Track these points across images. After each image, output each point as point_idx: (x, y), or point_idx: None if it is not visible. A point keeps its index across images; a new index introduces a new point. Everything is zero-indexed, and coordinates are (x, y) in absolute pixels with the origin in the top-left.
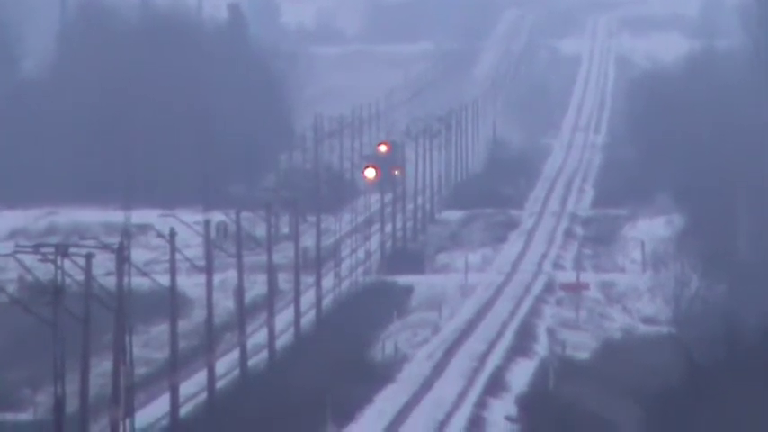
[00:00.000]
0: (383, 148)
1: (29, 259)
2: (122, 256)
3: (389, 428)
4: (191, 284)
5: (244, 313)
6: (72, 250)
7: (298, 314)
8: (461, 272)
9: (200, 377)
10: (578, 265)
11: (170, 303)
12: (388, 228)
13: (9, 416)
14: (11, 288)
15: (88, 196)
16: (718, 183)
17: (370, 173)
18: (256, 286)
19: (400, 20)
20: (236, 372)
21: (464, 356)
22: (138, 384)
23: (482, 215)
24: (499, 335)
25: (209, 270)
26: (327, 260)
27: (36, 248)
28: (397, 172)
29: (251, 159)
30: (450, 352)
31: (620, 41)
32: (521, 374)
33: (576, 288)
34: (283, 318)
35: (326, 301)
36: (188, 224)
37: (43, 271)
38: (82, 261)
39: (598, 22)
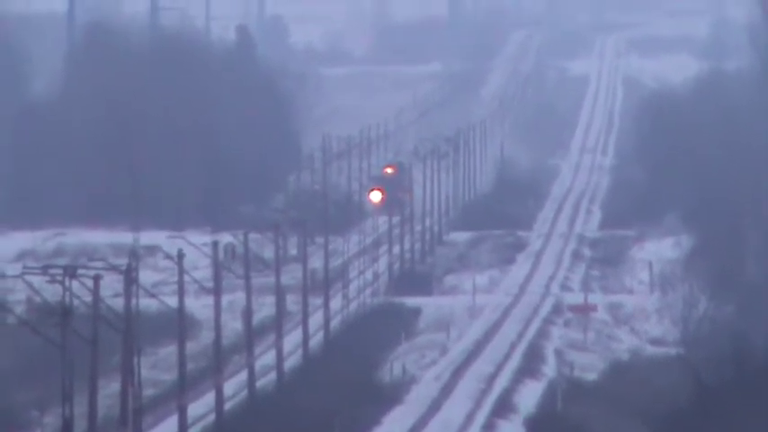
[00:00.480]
0: (389, 171)
1: (37, 281)
2: (130, 278)
3: None
4: (199, 306)
5: (252, 335)
6: (80, 272)
7: (306, 336)
8: (469, 293)
9: (209, 399)
10: (586, 287)
11: (178, 325)
12: (396, 249)
13: None
14: (19, 309)
15: (96, 217)
16: (727, 204)
17: (376, 196)
18: (264, 308)
19: (408, 40)
20: (245, 393)
21: (472, 378)
22: (146, 406)
23: (490, 236)
24: (507, 356)
25: (217, 291)
26: (335, 282)
27: (44, 270)
28: (406, 195)
29: (259, 180)
30: (458, 373)
31: (628, 62)
32: (529, 396)
33: (584, 309)
34: (291, 339)
35: (335, 323)
36: (196, 245)
37: (51, 292)
38: (90, 282)
39: (606, 42)
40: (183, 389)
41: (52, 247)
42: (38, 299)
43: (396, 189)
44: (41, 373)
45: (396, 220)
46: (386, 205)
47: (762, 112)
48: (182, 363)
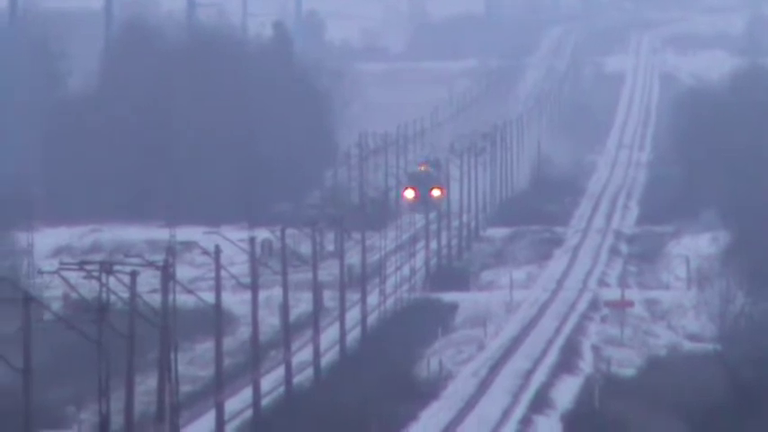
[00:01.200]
0: (423, 168)
1: (73, 277)
2: (167, 274)
3: None
4: (236, 302)
5: (289, 330)
6: (117, 267)
7: (343, 331)
8: (506, 289)
9: (246, 395)
10: (623, 283)
11: (215, 321)
12: (434, 245)
13: None
14: (55, 305)
15: (132, 213)
16: (764, 199)
17: (409, 194)
18: (301, 303)
19: (445, 37)
20: (282, 389)
21: (509, 374)
22: (183, 402)
23: (527, 232)
24: (544, 352)
25: (254, 287)
26: (372, 277)
27: (81, 266)
28: (436, 193)
29: (296, 176)
30: (495, 369)
31: (664, 59)
32: (566, 392)
33: (621, 305)
34: (328, 335)
35: (371, 319)
36: (233, 241)
37: (88, 288)
38: (127, 278)
39: (642, 39)
40: (220, 385)
41: (89, 243)
42: (74, 295)
43: (430, 187)
44: (78, 369)
45: (432, 216)
46: (419, 203)
47: None
48: (219, 359)
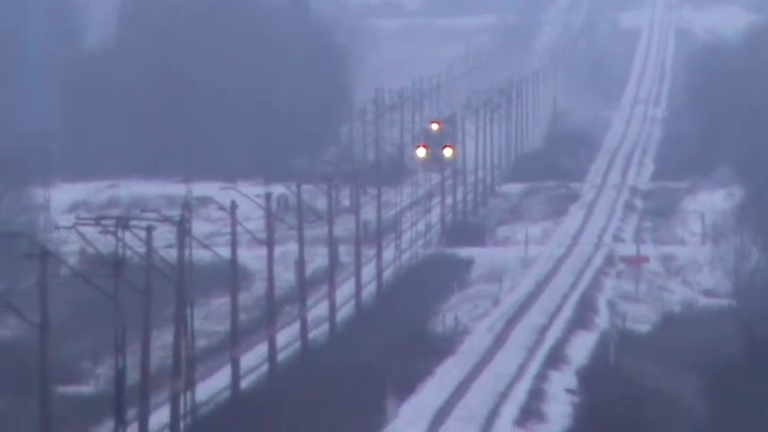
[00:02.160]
0: (435, 126)
1: (90, 232)
2: (183, 229)
3: (450, 401)
4: (251, 257)
5: (304, 286)
6: (133, 223)
7: (358, 287)
8: (522, 244)
9: (261, 350)
10: (638, 238)
11: (231, 276)
12: (449, 200)
13: (70, 388)
14: (72, 260)
15: (149, 169)
16: None
17: (421, 152)
18: (317, 259)
19: None
20: (297, 344)
21: (524, 329)
22: (198, 357)
23: (543, 188)
24: (559, 307)
25: (269, 243)
26: (388, 233)
27: (97, 221)
28: (448, 151)
29: (312, 132)
30: (510, 324)
31: (680, 14)
32: (581, 347)
33: (637, 261)
34: (344, 290)
35: (387, 274)
36: (249, 197)
37: (104, 243)
38: (143, 233)
39: None
40: (235, 340)
41: (105, 199)
42: (91, 250)
43: (442, 145)
44: (94, 324)
45: (448, 172)
46: (431, 161)
47: None
48: (234, 314)
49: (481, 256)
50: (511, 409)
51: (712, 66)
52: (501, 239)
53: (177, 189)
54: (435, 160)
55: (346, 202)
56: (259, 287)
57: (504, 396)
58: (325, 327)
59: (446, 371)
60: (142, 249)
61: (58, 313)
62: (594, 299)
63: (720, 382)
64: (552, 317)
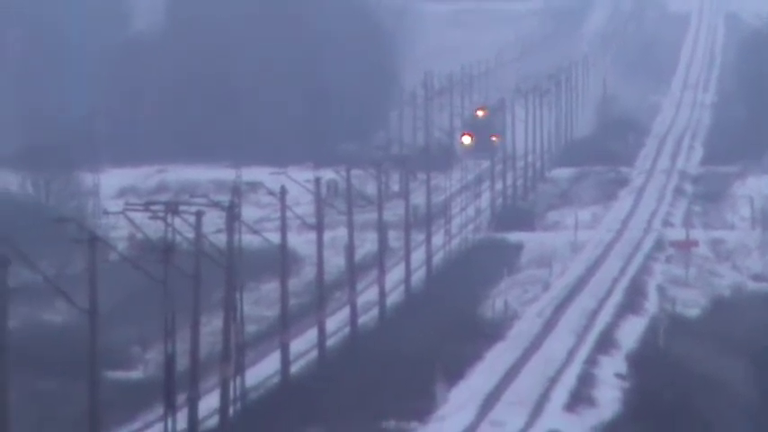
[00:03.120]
0: (480, 113)
1: (139, 217)
2: (233, 214)
3: (500, 385)
4: (301, 242)
5: (354, 271)
6: (182, 208)
7: (408, 272)
8: (571, 229)
9: (311, 335)
10: (688, 223)
11: (281, 261)
12: (499, 186)
13: (119, 374)
14: (121, 246)
15: (198, 154)
16: None
17: (466, 140)
18: (366, 244)
19: None
20: (347, 330)
21: (574, 314)
22: (248, 342)
23: (592, 173)
24: (609, 292)
25: (319, 228)
26: (437, 218)
27: (146, 206)
28: (494, 139)
29: (361, 117)
30: (560, 309)
31: None
32: (631, 332)
33: (686, 245)
34: (393, 276)
35: (437, 259)
36: (299, 182)
37: (153, 229)
38: (192, 219)
39: None
40: (285, 325)
41: (154, 184)
42: (140, 235)
43: (487, 132)
44: (143, 310)
45: (498, 157)
46: (476, 148)
47: None
48: (284, 299)
49: (531, 240)
50: (561, 394)
51: (761, 51)
52: (550, 224)
53: (226, 174)
54: (481, 148)
55: (396, 187)
56: (309, 272)
57: (553, 381)
58: (375, 312)
59: (496, 356)
60: (191, 234)
61: (107, 299)
62: (644, 283)
63: None
64: (602, 301)
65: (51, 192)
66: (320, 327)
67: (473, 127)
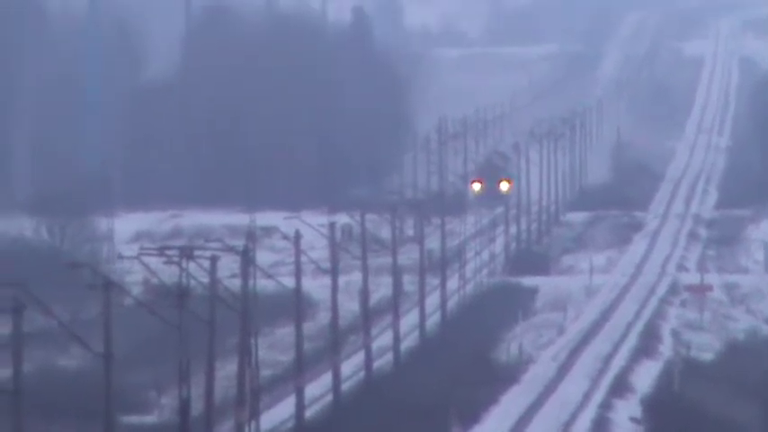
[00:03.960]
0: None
1: (153, 262)
2: (247, 259)
3: (514, 429)
4: (316, 286)
5: (369, 315)
6: (197, 252)
7: (423, 316)
8: (586, 273)
9: (326, 379)
10: (702, 267)
11: (295, 305)
12: (513, 230)
13: (134, 418)
14: (136, 290)
15: (212, 199)
16: None
17: (476, 186)
18: (381, 288)
19: (523, 22)
20: (362, 374)
21: (589, 357)
22: (263, 387)
23: (607, 217)
24: (624, 336)
25: (333, 272)
26: (452, 262)
27: (161, 251)
28: (504, 185)
29: (375, 161)
30: (575, 353)
31: (743, 43)
32: (645, 376)
33: (701, 289)
34: (408, 320)
35: (451, 303)
36: (313, 226)
37: (168, 273)
38: (207, 263)
39: (721, 23)
40: (300, 369)
41: (168, 228)
42: (155, 280)
43: (498, 178)
44: (158, 354)
45: (507, 204)
46: (488, 195)
47: None
48: (299, 343)
49: (545, 284)
50: None
51: None
52: (565, 268)
53: (240, 219)
54: (492, 196)
55: (410, 232)
56: (323, 317)
57: (568, 425)
58: (390, 356)
59: (511, 400)
60: (206, 279)
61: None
62: (659, 327)
63: None
64: (617, 345)
65: (66, 237)
66: (335, 371)
67: (486, 172)
